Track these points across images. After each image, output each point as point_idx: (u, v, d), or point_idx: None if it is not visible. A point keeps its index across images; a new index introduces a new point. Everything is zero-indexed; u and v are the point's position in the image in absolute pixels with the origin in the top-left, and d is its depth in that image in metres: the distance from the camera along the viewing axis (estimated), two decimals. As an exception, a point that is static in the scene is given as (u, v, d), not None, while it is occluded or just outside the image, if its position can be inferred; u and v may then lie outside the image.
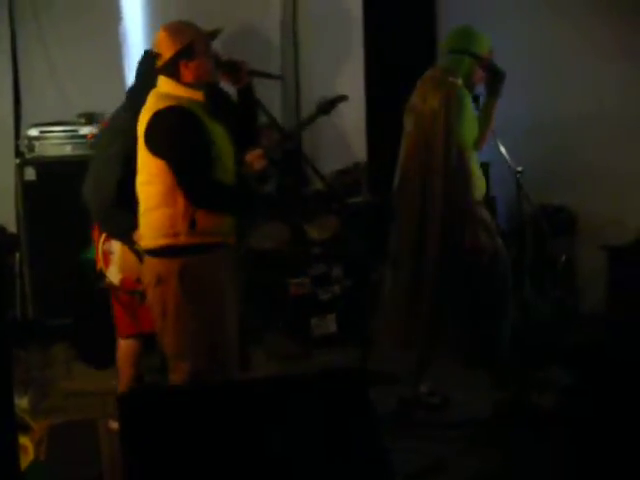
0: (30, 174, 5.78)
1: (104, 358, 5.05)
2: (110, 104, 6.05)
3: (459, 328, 4.29)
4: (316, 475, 2.71)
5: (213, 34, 3.55)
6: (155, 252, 3.50)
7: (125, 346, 4.37)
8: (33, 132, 5.82)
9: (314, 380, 3.15)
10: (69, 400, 4.65)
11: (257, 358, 4.67)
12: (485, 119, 4.29)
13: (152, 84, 3.56)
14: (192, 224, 3.40)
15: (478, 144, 4.29)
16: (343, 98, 4.26)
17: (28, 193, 5.77)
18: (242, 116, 3.71)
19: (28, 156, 5.80)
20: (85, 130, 5.86)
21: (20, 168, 5.78)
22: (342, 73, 5.37)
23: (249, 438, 2.70)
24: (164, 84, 3.48)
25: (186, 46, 3.39)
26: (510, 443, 4.02)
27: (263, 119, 3.84)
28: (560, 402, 4.09)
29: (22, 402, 4.37)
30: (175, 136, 3.37)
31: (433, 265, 4.16)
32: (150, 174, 3.44)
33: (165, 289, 3.47)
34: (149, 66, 3.67)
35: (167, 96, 3.43)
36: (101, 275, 4.37)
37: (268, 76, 3.90)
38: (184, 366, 3.50)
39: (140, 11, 6.34)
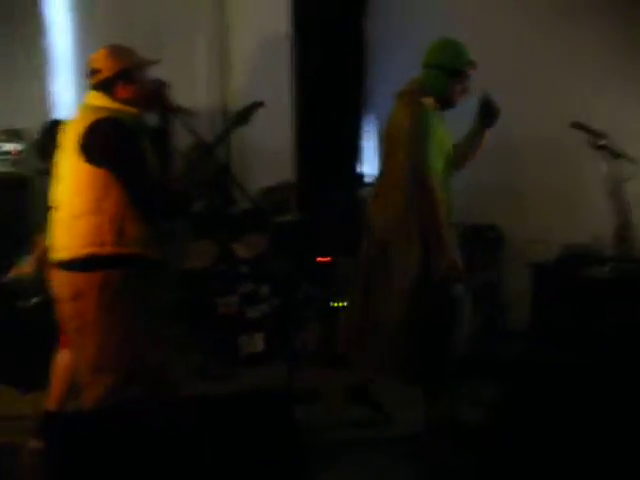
0: (-47, 191, 5.67)
1: (28, 381, 4.97)
2: (33, 120, 6.03)
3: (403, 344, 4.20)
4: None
5: (150, 64, 3.69)
6: (76, 264, 3.46)
7: (62, 359, 4.29)
8: (-44, 149, 5.72)
9: (240, 400, 3.15)
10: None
11: (185, 378, 4.63)
12: (470, 144, 4.26)
13: None
14: (120, 233, 3.42)
15: (458, 165, 4.25)
16: (258, 105, 4.25)
17: (-51, 211, 5.65)
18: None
19: (-51, 173, 5.69)
20: (8, 147, 5.78)
21: (-59, 185, 5.66)
22: (270, 92, 5.39)
23: (174, 458, 2.69)
24: (97, 99, 3.56)
25: (126, 69, 3.56)
26: (438, 459, 4.04)
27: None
28: (487, 417, 4.12)
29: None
30: (120, 144, 3.45)
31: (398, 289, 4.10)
32: (79, 184, 3.44)
33: (83, 303, 3.45)
34: None
35: (103, 109, 3.51)
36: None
37: (185, 112, 3.87)
38: (102, 381, 3.44)
39: (65, 27, 6.28)
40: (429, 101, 4.11)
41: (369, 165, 7.52)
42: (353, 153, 7.48)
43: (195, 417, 2.97)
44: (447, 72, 4.11)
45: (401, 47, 6.81)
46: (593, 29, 5.68)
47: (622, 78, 5.59)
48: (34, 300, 5.04)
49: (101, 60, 3.57)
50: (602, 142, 4.07)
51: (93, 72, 3.58)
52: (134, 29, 6.28)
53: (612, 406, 3.43)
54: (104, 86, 3.55)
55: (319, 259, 6.16)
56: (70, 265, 3.47)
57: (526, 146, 5.82)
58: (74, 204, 3.47)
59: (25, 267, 4.90)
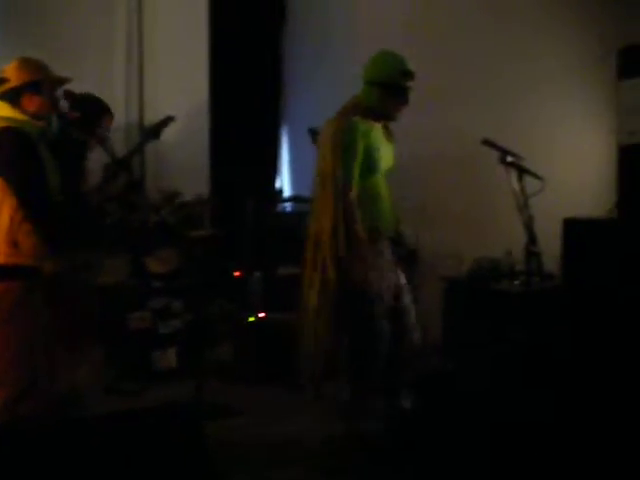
0: None
1: None
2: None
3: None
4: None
5: (62, 80, 3.75)
6: None
7: None
8: None
9: (149, 415, 3.11)
10: None
11: (95, 393, 4.55)
12: None
13: None
14: (14, 244, 3.39)
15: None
16: (169, 119, 4.25)
17: None
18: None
19: None
20: None
21: None
22: (187, 106, 5.36)
23: (86, 475, 2.65)
24: (3, 109, 3.54)
25: (35, 81, 3.58)
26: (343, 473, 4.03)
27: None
28: (392, 430, 4.13)
29: None
30: (16, 154, 3.43)
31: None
32: None
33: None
34: None
35: (6, 119, 3.49)
36: None
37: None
38: (12, 381, 3.41)
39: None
40: (359, 117, 4.10)
41: (287, 180, 7.58)
42: (271, 167, 7.51)
43: (102, 434, 2.92)
44: (381, 86, 4.11)
45: (318, 61, 6.87)
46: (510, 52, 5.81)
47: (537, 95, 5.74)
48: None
49: (11, 70, 3.59)
50: (510, 159, 4.13)
51: (1, 81, 3.58)
52: (50, 44, 6.20)
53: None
54: (10, 96, 3.55)
55: (235, 274, 6.14)
56: None
57: (439, 162, 5.89)
58: None
59: None
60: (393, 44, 6.01)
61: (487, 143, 4.22)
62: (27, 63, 3.64)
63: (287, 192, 7.31)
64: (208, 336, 5.55)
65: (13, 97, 3.55)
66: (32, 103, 3.56)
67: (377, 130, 4.17)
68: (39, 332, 3.44)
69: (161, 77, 6.70)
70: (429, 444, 3.68)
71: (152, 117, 6.46)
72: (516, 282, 5.40)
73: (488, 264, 5.58)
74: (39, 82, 3.59)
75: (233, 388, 5.26)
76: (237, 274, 6.10)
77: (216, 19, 6.86)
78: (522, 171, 4.13)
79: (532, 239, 4.09)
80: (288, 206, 6.92)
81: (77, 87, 5.82)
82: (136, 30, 6.69)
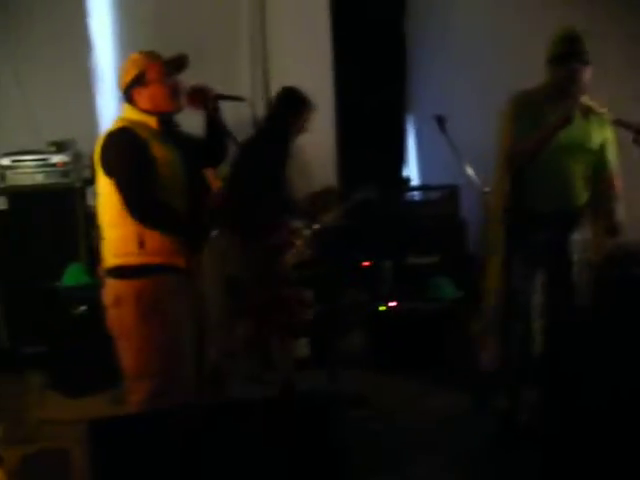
0: (2, 203, 5.80)
1: (78, 386, 5.07)
2: (80, 132, 6.14)
3: None
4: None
5: (175, 62, 3.61)
6: (113, 273, 3.51)
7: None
8: (4, 161, 5.85)
9: (283, 404, 3.16)
10: (42, 428, 4.62)
11: (230, 381, 4.69)
12: None
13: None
14: (141, 244, 3.44)
15: None
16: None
17: (0, 222, 5.78)
18: (210, 141, 3.77)
19: (0, 185, 5.81)
20: (56, 158, 5.89)
21: (-8, 197, 5.80)
22: (311, 96, 5.41)
23: (218, 465, 2.72)
24: (124, 110, 3.58)
25: (139, 74, 3.50)
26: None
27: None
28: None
29: (-6, 431, 4.35)
30: (118, 155, 3.44)
31: None
32: (105, 195, 3.49)
33: (122, 310, 3.49)
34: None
35: (122, 119, 3.53)
36: None
37: (232, 99, 3.90)
38: (142, 387, 3.48)
39: (110, 40, 6.39)
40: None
41: (414, 168, 7.55)
42: (396, 156, 7.50)
43: (238, 421, 2.99)
44: (549, 62, 4.17)
45: (442, 46, 6.82)
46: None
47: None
48: (81, 308, 5.14)
49: (120, 72, 3.58)
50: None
51: (118, 88, 3.60)
52: (175, 41, 6.36)
53: None
54: (125, 97, 3.56)
55: (364, 264, 6.19)
56: (110, 273, 3.53)
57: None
58: (104, 216, 3.53)
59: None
60: (521, 26, 5.99)
61: (618, 123, 4.12)
62: (131, 59, 3.57)
63: (414, 180, 7.29)
64: (339, 325, 5.61)
65: (127, 97, 3.54)
66: (142, 98, 3.51)
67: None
68: (180, 324, 3.53)
69: (286, 74, 6.77)
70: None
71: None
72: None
73: (628, 249, 5.42)
74: (142, 74, 3.50)
75: (364, 377, 5.30)
76: (367, 263, 6.14)
77: (338, 9, 6.89)
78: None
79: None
80: (416, 194, 6.91)
81: (204, 78, 6.04)
82: (259, 29, 6.79)
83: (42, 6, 6.18)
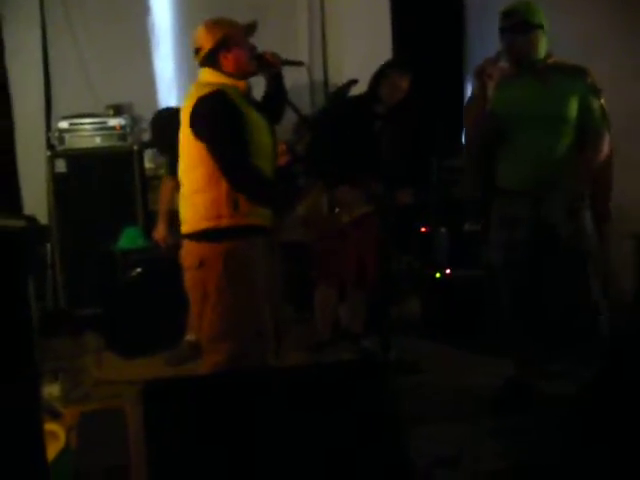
0: (61, 166, 5.86)
1: (133, 348, 5.13)
2: (138, 96, 6.19)
3: None
4: (340, 466, 2.72)
5: (250, 27, 3.66)
6: (198, 235, 3.54)
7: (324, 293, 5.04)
8: (63, 124, 5.91)
9: (339, 369, 3.16)
10: (99, 388, 4.69)
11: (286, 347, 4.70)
12: None
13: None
14: (235, 205, 3.48)
15: None
16: (353, 82, 4.28)
17: (59, 185, 5.86)
18: (271, 105, 3.82)
19: (59, 148, 5.89)
20: (114, 122, 5.93)
21: (51, 160, 5.87)
22: (370, 60, 5.36)
23: (271, 429, 2.72)
24: (206, 75, 3.59)
25: (223, 38, 3.54)
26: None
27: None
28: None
29: (53, 390, 4.40)
30: (216, 120, 3.46)
31: None
32: (194, 158, 3.51)
33: (207, 272, 3.52)
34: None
35: (209, 84, 3.53)
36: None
37: (295, 64, 3.94)
38: (223, 347, 3.53)
39: (167, 3, 6.38)
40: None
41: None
42: (456, 122, 7.41)
43: (293, 385, 3.00)
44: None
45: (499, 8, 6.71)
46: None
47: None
48: (137, 270, 5.19)
49: (200, 37, 3.58)
50: None
51: (196, 51, 3.60)
52: (234, 4, 6.35)
53: None
54: (209, 61, 3.57)
55: (421, 230, 6.15)
56: (194, 236, 3.56)
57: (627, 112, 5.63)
58: (192, 179, 3.54)
59: (158, 234, 5.06)
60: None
61: None
62: (210, 24, 3.61)
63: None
64: (395, 292, 5.59)
65: (211, 61, 3.56)
66: (228, 61, 3.56)
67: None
68: (261, 286, 3.57)
69: (344, 38, 6.72)
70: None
71: (336, 79, 6.53)
72: None
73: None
74: (227, 38, 3.54)
75: (419, 344, 5.29)
76: (423, 230, 6.10)
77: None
78: None
79: None
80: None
81: (264, 44, 6.02)
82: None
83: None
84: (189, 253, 3.60)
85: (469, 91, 7.31)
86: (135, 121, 6.05)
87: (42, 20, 6.08)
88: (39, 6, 6.06)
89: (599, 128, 4.06)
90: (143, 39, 6.31)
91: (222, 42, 3.54)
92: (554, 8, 5.52)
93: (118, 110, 6.00)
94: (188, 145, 3.53)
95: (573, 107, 4.03)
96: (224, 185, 3.46)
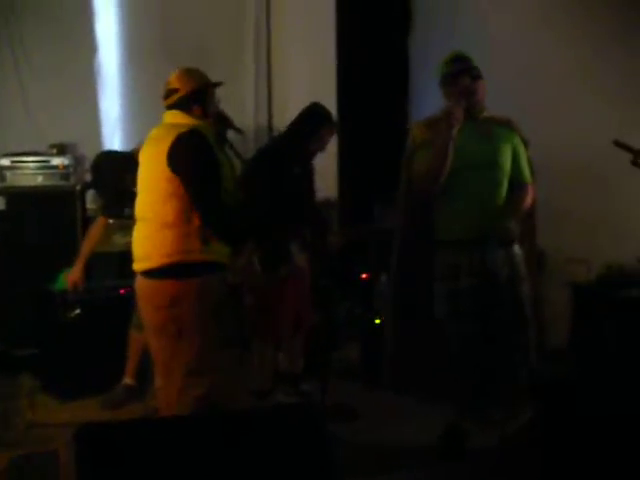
0: (0, 204, 5.78)
1: (68, 390, 5.05)
2: (82, 135, 6.16)
3: None
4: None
5: (216, 84, 3.89)
6: (166, 272, 3.59)
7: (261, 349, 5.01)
8: (4, 162, 5.85)
9: (275, 414, 3.15)
10: (32, 431, 4.61)
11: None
12: None
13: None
14: (205, 241, 3.60)
15: None
16: None
17: (-3, 222, 5.78)
18: None
19: (-1, 185, 5.82)
20: (57, 161, 5.90)
21: (-10, 197, 5.79)
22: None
23: (206, 475, 2.70)
24: (177, 117, 3.74)
25: (199, 87, 3.77)
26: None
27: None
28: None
29: (-16, 433, 4.34)
30: (197, 157, 3.62)
31: None
32: (165, 193, 3.59)
33: (181, 309, 3.58)
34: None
35: (182, 125, 3.67)
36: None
37: (237, 130, 4.12)
38: (203, 381, 3.63)
39: (114, 43, 6.40)
40: None
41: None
42: (398, 170, 7.48)
43: (225, 432, 2.98)
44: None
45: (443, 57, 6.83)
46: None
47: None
48: (76, 312, 5.13)
49: (178, 80, 3.77)
50: (644, 161, 4.00)
51: (171, 92, 3.76)
52: (180, 41, 6.39)
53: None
54: (181, 104, 3.74)
55: (362, 276, 6.17)
56: (161, 272, 3.61)
57: (569, 165, 5.77)
58: (161, 214, 3.60)
59: (73, 276, 5.01)
60: (520, 43, 6.02)
61: (619, 144, 4.11)
62: (192, 72, 3.84)
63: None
64: (335, 337, 5.59)
65: (184, 105, 3.73)
66: (199, 109, 3.75)
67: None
68: (224, 322, 3.74)
69: (290, 81, 6.79)
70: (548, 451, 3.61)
71: (280, 120, 6.58)
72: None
73: (618, 270, 5.44)
74: (203, 88, 3.78)
75: (358, 390, 5.28)
76: (364, 276, 6.13)
77: (343, 22, 6.90)
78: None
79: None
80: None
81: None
82: (265, 34, 6.81)
83: (47, 6, 6.19)
84: (156, 292, 3.64)
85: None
86: (78, 161, 6.02)
87: (-14, 57, 6.06)
88: (-16, 44, 6.03)
89: (526, 180, 4.20)
90: (89, 79, 6.29)
91: (198, 90, 3.75)
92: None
93: (62, 149, 5.97)
94: (158, 180, 3.60)
95: (508, 157, 4.15)
96: (196, 220, 3.57)
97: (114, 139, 6.30)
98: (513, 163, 4.17)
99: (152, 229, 3.64)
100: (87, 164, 6.06)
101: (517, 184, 4.18)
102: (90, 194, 5.97)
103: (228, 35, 6.66)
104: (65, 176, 5.89)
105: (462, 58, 4.14)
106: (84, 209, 5.89)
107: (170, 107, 3.77)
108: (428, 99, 7.09)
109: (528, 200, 4.20)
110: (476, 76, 4.11)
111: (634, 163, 4.06)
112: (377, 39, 7.02)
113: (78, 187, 5.89)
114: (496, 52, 5.92)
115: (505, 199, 4.14)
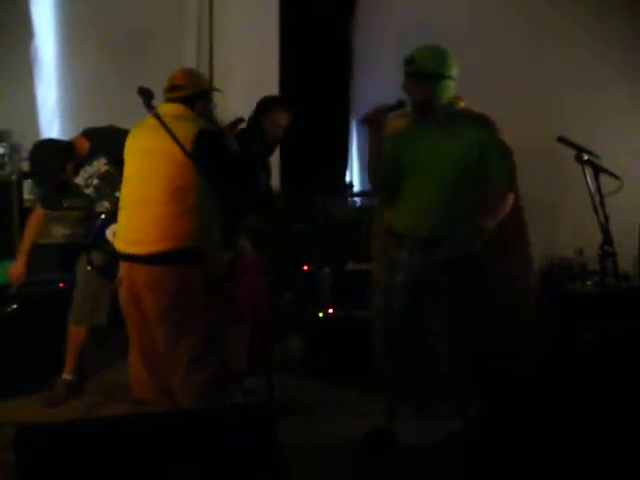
0: None
1: (5, 387, 4.93)
2: (19, 124, 6.02)
3: None
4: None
5: (217, 89, 4.34)
6: (178, 256, 3.77)
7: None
8: (-64, 151, 5.68)
9: (221, 413, 3.12)
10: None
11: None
12: None
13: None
14: (215, 231, 3.93)
15: None
16: (240, 121, 4.38)
17: None
18: None
19: None
20: (-9, 149, 5.74)
21: None
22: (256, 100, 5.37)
23: (148, 475, 2.66)
24: (180, 109, 3.94)
25: (205, 90, 4.12)
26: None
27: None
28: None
29: None
30: (224, 152, 3.96)
31: None
32: (189, 181, 3.77)
33: (189, 294, 3.79)
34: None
35: (189, 118, 3.91)
36: None
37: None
38: (208, 364, 3.85)
39: (51, 29, 6.25)
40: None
41: (356, 174, 7.53)
42: (340, 161, 7.48)
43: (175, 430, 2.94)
44: None
45: (388, 54, 6.82)
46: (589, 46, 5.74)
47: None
48: (13, 306, 5.01)
49: (184, 78, 4.03)
50: (586, 157, 4.02)
51: (176, 87, 3.99)
52: (119, 32, 6.29)
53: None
54: (186, 101, 3.97)
55: (304, 268, 6.14)
56: (172, 257, 3.77)
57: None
58: (181, 200, 3.77)
59: (15, 271, 4.91)
60: (463, 36, 6.05)
61: (562, 140, 4.10)
62: (198, 73, 4.38)
63: (356, 186, 7.27)
64: (277, 330, 5.56)
65: (189, 103, 3.97)
66: (200, 109, 4.01)
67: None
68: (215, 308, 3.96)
69: (231, 71, 6.73)
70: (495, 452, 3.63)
71: (221, 112, 6.50)
72: (589, 283, 5.32)
73: (559, 263, 5.50)
74: (208, 92, 4.12)
75: (300, 384, 5.24)
76: (306, 268, 6.11)
77: (286, 9, 6.86)
78: (598, 170, 4.01)
79: (608, 239, 3.96)
80: (358, 200, 6.89)
81: (148, 71, 5.99)
82: (207, 17, 6.73)
83: (-18, -7, 6.05)
84: (163, 278, 3.79)
85: (354, 135, 7.46)
86: (15, 149, 5.87)
87: None
88: None
89: (498, 185, 3.97)
90: (26, 66, 6.14)
91: (204, 93, 4.08)
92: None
93: (-2, 136, 5.82)
94: (178, 168, 3.74)
95: (471, 158, 3.96)
96: (208, 210, 3.85)
97: (51, 128, 6.16)
98: (481, 164, 3.96)
99: (167, 213, 3.77)
100: (24, 153, 5.94)
101: (491, 190, 3.97)
102: (28, 184, 5.83)
103: (169, 19, 6.56)
104: (1, 166, 5.75)
105: (408, 61, 4.01)
106: (21, 200, 5.75)
107: (172, 100, 3.96)
108: (370, 87, 7.11)
109: (497, 207, 3.94)
110: (415, 80, 3.99)
111: (577, 159, 4.07)
112: (320, 26, 6.99)
113: (14, 177, 5.75)
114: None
115: (470, 201, 3.96)
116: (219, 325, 4.04)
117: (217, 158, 3.88)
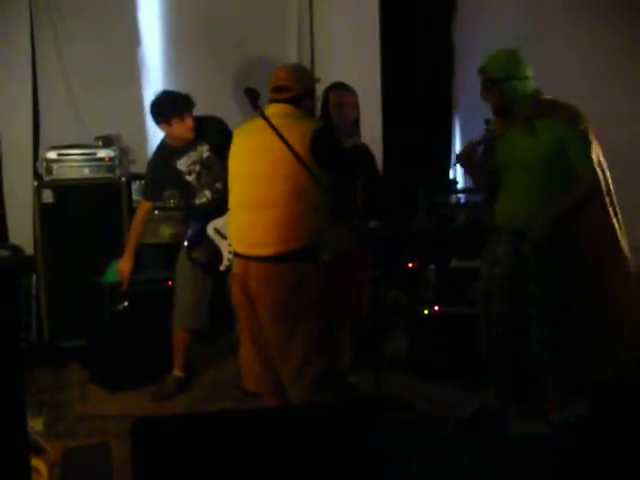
0: (48, 196, 5.81)
1: (118, 382, 5.06)
2: (127, 127, 6.16)
3: None
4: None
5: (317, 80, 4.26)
6: (300, 254, 3.81)
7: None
8: (51, 155, 5.86)
9: (329, 410, 3.12)
10: (83, 423, 4.62)
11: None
12: None
13: None
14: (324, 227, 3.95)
15: None
16: None
17: (45, 215, 5.80)
18: None
19: (46, 178, 5.84)
20: (102, 153, 5.89)
21: (38, 190, 5.82)
22: (360, 98, 5.35)
23: (262, 469, 2.68)
24: (292, 109, 3.93)
25: (310, 88, 4.07)
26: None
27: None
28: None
29: (36, 424, 4.33)
30: (341, 150, 4.11)
31: None
32: (309, 181, 3.73)
33: (307, 290, 3.82)
34: None
35: (301, 117, 3.92)
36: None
37: None
38: (322, 359, 3.89)
39: (158, 35, 6.39)
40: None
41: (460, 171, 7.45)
42: (444, 158, 7.42)
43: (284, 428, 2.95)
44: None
45: (490, 48, 6.73)
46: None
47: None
48: (124, 304, 5.13)
49: (291, 79, 3.97)
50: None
51: (282, 89, 3.94)
52: (223, 34, 6.38)
53: None
54: (294, 101, 3.94)
55: (409, 265, 6.11)
56: (294, 255, 3.81)
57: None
58: (301, 201, 3.80)
59: (123, 268, 5.03)
60: (566, 26, 5.96)
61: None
62: (302, 70, 4.34)
63: (460, 183, 7.19)
64: (382, 328, 5.55)
65: (297, 102, 3.95)
66: (307, 107, 4.02)
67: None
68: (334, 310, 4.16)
69: (333, 71, 6.73)
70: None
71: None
72: None
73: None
74: (313, 89, 4.09)
75: (405, 381, 5.22)
76: (411, 265, 6.07)
77: (386, 6, 6.84)
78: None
79: None
80: (462, 197, 6.82)
81: (251, 73, 6.06)
82: (308, 16, 6.75)
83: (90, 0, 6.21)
84: (282, 275, 3.81)
85: (457, 130, 7.40)
86: (124, 153, 6.02)
87: (32, 51, 6.07)
88: (29, 37, 6.04)
89: (578, 171, 4.18)
90: (132, 71, 6.29)
91: (310, 91, 4.05)
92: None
93: (107, 141, 5.96)
94: (296, 169, 3.68)
95: (553, 152, 4.16)
96: (324, 207, 3.87)
97: (159, 131, 6.28)
98: (565, 156, 4.17)
99: (293, 214, 3.80)
100: (132, 156, 6.10)
101: (576, 177, 4.20)
102: (136, 186, 5.98)
103: (271, 20, 6.60)
104: (111, 168, 5.90)
105: (480, 71, 4.32)
106: (130, 201, 5.90)
107: (280, 101, 3.94)
108: (473, 83, 7.02)
109: (578, 192, 4.18)
110: (487, 88, 4.28)
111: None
112: (421, 23, 6.99)
113: (124, 179, 5.90)
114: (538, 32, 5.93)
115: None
116: (333, 321, 4.08)
117: (337, 154, 3.97)
